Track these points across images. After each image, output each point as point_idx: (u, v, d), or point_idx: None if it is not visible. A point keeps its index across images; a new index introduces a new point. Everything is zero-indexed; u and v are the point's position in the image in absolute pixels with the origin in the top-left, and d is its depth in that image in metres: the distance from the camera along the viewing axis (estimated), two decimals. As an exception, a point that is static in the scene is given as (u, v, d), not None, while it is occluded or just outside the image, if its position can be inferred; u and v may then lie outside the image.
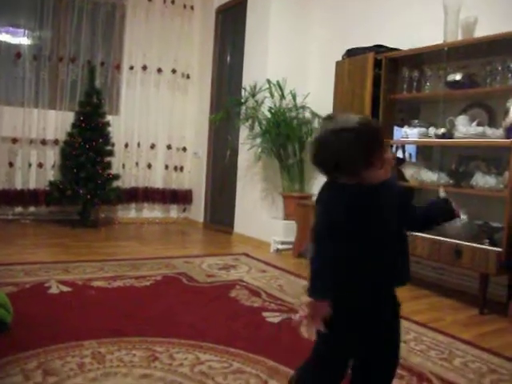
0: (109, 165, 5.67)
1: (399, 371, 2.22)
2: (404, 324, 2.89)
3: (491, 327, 3.01)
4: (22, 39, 5.68)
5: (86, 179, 5.38)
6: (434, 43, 3.70)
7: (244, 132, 5.35)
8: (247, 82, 5.38)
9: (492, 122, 3.57)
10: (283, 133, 4.87)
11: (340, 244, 1.37)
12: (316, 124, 5.02)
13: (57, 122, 5.81)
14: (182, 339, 2.42)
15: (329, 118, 1.43)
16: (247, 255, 4.55)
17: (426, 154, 4.02)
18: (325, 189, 1.46)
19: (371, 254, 1.40)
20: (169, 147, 6.51)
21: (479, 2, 3.70)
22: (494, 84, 3.52)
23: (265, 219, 5.15)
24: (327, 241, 1.38)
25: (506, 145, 3.18)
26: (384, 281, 1.45)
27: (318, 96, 5.03)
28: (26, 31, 5.69)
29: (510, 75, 3.39)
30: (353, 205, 1.37)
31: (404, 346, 2.55)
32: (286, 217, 4.94)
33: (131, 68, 6.21)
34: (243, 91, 5.37)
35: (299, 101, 5.05)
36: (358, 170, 1.36)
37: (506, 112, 3.27)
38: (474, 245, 3.26)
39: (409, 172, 3.89)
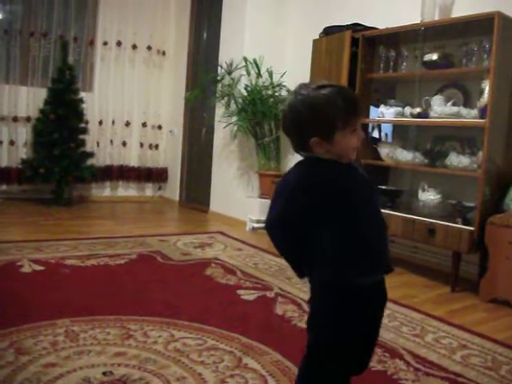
0: (83, 142, 5.58)
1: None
2: (377, 301, 2.93)
3: (462, 304, 3.06)
4: (-9, 13, 5.52)
5: (60, 157, 5.28)
6: (411, 23, 3.69)
7: (220, 110, 5.30)
8: (223, 59, 5.32)
9: (467, 103, 3.59)
10: (259, 111, 4.84)
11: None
12: (293, 102, 4.99)
13: (28, 99, 5.67)
14: (156, 317, 2.41)
15: (303, 84, 1.38)
16: (223, 234, 4.54)
17: (401, 133, 4.03)
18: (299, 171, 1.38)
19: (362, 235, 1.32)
20: (144, 125, 6.43)
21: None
22: (470, 65, 3.53)
23: (240, 198, 5.14)
24: (279, 231, 1.36)
25: (481, 125, 3.21)
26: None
27: (294, 74, 4.99)
28: (-4, 5, 5.53)
29: (485, 56, 3.40)
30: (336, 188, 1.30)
31: (377, 323, 2.58)
32: (262, 195, 4.94)
33: (105, 44, 6.08)
34: (219, 68, 5.31)
35: (276, 79, 5.02)
36: (333, 127, 1.28)
37: (481, 92, 3.30)
38: (447, 223, 3.30)
39: (384, 151, 3.91)
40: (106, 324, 2.29)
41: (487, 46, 3.35)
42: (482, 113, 3.24)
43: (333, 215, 1.29)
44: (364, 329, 1.36)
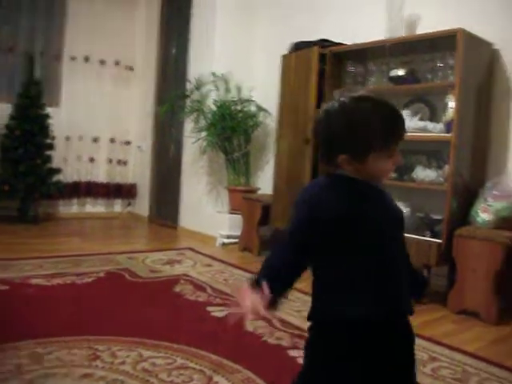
0: (49, 158, 5.47)
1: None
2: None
3: (432, 316, 3.07)
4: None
5: (25, 173, 5.17)
6: (378, 39, 3.75)
7: (189, 125, 5.28)
8: (192, 74, 5.30)
9: (433, 117, 3.65)
10: (228, 126, 4.84)
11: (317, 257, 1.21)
12: (261, 117, 5.02)
13: (-7, 114, 5.56)
14: (124, 336, 2.36)
15: (344, 90, 1.29)
16: (192, 250, 4.50)
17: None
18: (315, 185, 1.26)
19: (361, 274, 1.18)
20: (112, 140, 6.36)
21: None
22: (435, 80, 3.60)
23: (210, 213, 5.10)
24: (286, 248, 1.21)
25: (447, 139, 3.26)
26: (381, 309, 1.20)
27: (263, 89, 5.01)
28: (-40, 18, 5.42)
29: (450, 72, 3.47)
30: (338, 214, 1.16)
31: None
32: (232, 211, 4.91)
33: (73, 59, 6.02)
34: (188, 84, 5.30)
35: (245, 94, 5.03)
36: (368, 149, 1.16)
37: (446, 107, 3.35)
38: (416, 237, 3.33)
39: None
40: (73, 345, 2.23)
41: (452, 62, 3.42)
42: (448, 127, 3.29)
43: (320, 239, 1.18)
44: (354, 371, 1.18)
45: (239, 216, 4.72)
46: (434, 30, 3.37)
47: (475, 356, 2.45)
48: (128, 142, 6.50)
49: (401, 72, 3.69)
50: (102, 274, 3.47)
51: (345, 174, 1.21)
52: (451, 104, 3.27)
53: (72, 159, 6.08)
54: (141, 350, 2.23)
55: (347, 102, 1.18)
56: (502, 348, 2.64)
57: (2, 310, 2.65)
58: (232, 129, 4.85)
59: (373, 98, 1.20)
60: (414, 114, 3.66)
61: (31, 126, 5.27)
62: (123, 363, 2.08)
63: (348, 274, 1.18)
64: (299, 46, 4.26)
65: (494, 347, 2.64)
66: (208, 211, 5.15)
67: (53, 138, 5.58)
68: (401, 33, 3.71)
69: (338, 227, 1.16)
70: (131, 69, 6.47)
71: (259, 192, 4.96)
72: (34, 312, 2.65)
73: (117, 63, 6.32)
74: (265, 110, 4.97)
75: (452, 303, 3.18)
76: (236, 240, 4.77)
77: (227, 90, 5.00)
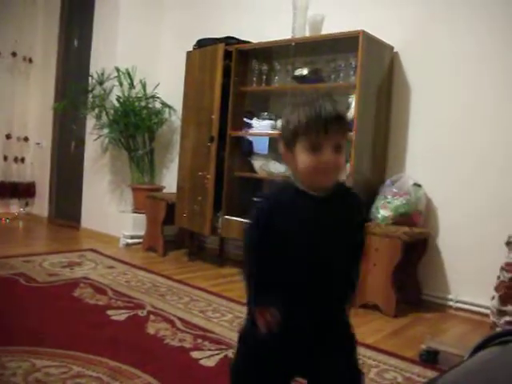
0: None
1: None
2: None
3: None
4: None
5: None
6: (283, 38, 3.77)
7: (91, 122, 5.07)
8: (95, 68, 5.10)
9: (335, 116, 3.71)
10: (132, 123, 4.69)
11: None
12: (166, 114, 4.92)
13: None
14: (16, 346, 2.19)
15: None
16: (94, 251, 4.32)
17: (274, 146, 4.09)
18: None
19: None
20: (8, 136, 5.99)
21: (327, 1, 3.84)
22: (338, 80, 3.67)
23: (113, 213, 4.93)
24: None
25: (348, 138, 3.33)
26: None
27: (168, 86, 4.92)
28: None
29: (351, 72, 3.55)
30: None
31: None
32: (136, 210, 4.78)
33: (-36, 49, 5.62)
34: (90, 79, 5.09)
35: (149, 90, 4.91)
36: (295, 133, 1.20)
37: (348, 107, 3.43)
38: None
39: (258, 164, 3.94)
40: (-45, 357, 2.05)
41: (353, 63, 3.50)
42: (350, 126, 3.36)
43: None
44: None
45: (143, 215, 4.59)
46: (337, 31, 3.44)
47: (375, 348, 2.51)
48: (26, 138, 6.15)
49: (305, 71, 3.73)
50: (-7, 279, 3.24)
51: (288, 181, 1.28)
52: (352, 103, 3.35)
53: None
54: (33, 359, 2.08)
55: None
56: (400, 339, 2.72)
57: None
58: (136, 126, 4.72)
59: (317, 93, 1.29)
60: (318, 112, 3.71)
61: None
62: (13, 375, 1.94)
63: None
64: (204, 43, 4.21)
65: (392, 339, 2.72)
66: (111, 211, 4.97)
67: None
68: (305, 33, 3.76)
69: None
70: (30, 60, 6.12)
71: (164, 191, 4.85)
72: None
73: (14, 54, 5.96)
74: (170, 107, 4.88)
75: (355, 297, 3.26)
76: (140, 240, 4.63)
77: (131, 86, 4.85)
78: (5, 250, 4.16)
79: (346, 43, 3.46)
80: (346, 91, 3.49)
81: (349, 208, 1.30)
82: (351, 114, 3.35)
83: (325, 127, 1.18)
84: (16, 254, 4.02)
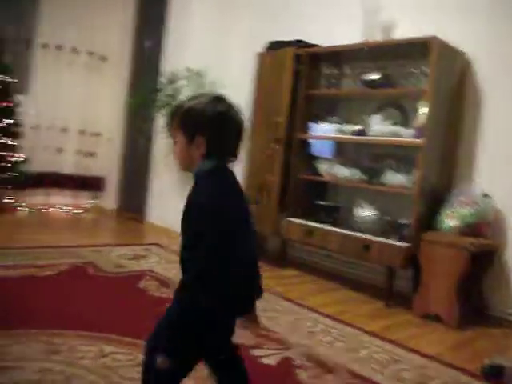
0: (16, 147, 5.35)
1: (306, 362, 2.24)
2: (312, 316, 2.93)
3: (396, 319, 3.11)
4: None
5: (-10, 161, 5.05)
6: (354, 42, 3.76)
7: (160, 120, 5.21)
8: (166, 68, 5.25)
9: (405, 122, 3.68)
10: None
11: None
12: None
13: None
14: (85, 331, 2.30)
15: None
16: (159, 245, 4.45)
17: (340, 150, 4.09)
18: None
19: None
20: (82, 131, 6.23)
21: (398, 5, 3.81)
22: (408, 85, 3.63)
23: (178, 209, 5.04)
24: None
25: (416, 144, 3.29)
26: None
27: (238, 86, 4.97)
28: None
29: (422, 78, 3.50)
30: None
31: (312, 338, 2.58)
32: (201, 208, 4.86)
33: (44, 46, 5.89)
34: (161, 78, 5.24)
35: (218, 91, 4.99)
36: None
37: (417, 113, 3.39)
38: (382, 239, 3.36)
39: (323, 167, 3.94)
40: (31, 338, 2.17)
41: (425, 68, 3.46)
42: (418, 132, 3.32)
43: None
44: None
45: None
46: (409, 37, 3.41)
47: (436, 359, 2.47)
48: (98, 134, 6.38)
49: (375, 76, 3.71)
50: (64, 267, 3.39)
51: None
52: (423, 110, 3.30)
53: (39, 149, 5.94)
54: (102, 345, 2.18)
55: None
56: (463, 352, 2.67)
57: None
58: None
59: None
60: (386, 118, 3.68)
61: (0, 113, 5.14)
62: (83, 358, 2.04)
63: None
64: (275, 46, 4.26)
65: (454, 351, 2.67)
66: (177, 207, 5.08)
67: (21, 126, 5.44)
68: (376, 37, 3.73)
69: None
70: (104, 59, 6.36)
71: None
72: (-8, 303, 2.58)
73: (90, 53, 6.20)
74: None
75: (416, 307, 3.22)
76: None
77: (201, 86, 4.95)
78: (76, 240, 4.35)
79: (418, 48, 3.42)
80: (416, 97, 3.45)
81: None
82: (420, 120, 3.30)
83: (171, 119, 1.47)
84: (85, 243, 4.20)
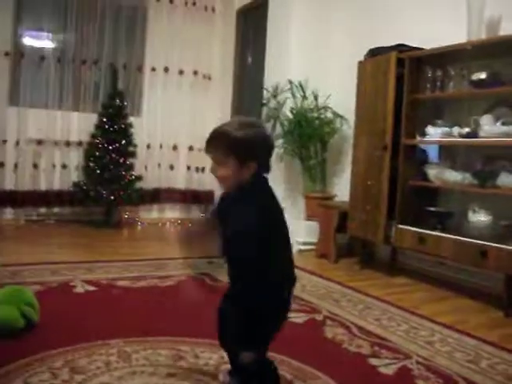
0: (131, 166, 5.71)
1: (425, 373, 2.21)
2: (428, 325, 2.88)
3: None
4: (45, 42, 5.76)
5: (109, 180, 5.43)
6: (458, 42, 3.66)
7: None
8: (269, 82, 5.38)
9: (517, 122, 3.52)
10: (305, 133, 4.87)
11: None
12: (338, 124, 5.01)
13: (80, 124, 5.84)
14: (206, 339, 2.42)
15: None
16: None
17: (449, 154, 3.98)
18: None
19: None
20: (190, 148, 6.54)
21: (503, 1, 3.66)
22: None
23: (287, 219, 5.12)
24: None
25: (533, 144, 3.14)
26: None
27: (339, 96, 5.01)
28: (50, 34, 5.76)
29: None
30: None
31: (429, 347, 2.54)
32: (308, 217, 4.93)
33: (153, 70, 6.26)
34: (265, 92, 5.38)
35: (321, 101, 5.04)
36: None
37: None
38: (500, 245, 3.22)
39: (432, 172, 3.86)
40: (158, 345, 2.33)
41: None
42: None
43: None
44: None
45: (316, 223, 4.73)
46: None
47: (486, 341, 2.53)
48: (205, 150, 6.63)
49: (482, 75, 3.58)
50: (183, 278, 3.58)
51: None
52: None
53: (152, 166, 6.30)
54: (223, 352, 2.28)
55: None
56: None
57: (92, 310, 2.80)
58: (308, 136, 4.88)
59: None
60: (497, 118, 3.54)
61: (115, 135, 5.53)
62: (206, 364, 2.15)
63: None
64: (376, 52, 4.23)
65: None
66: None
67: (135, 146, 5.81)
68: (481, 35, 3.61)
69: None
70: (209, 78, 6.63)
71: (336, 199, 4.95)
72: (121, 312, 2.79)
73: (195, 73, 6.50)
74: (341, 117, 4.96)
75: (539, 315, 3.06)
76: (312, 247, 4.78)
77: (304, 98, 5.03)
78: (190, 252, 4.54)
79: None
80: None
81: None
82: None
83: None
84: (200, 255, 4.38)
